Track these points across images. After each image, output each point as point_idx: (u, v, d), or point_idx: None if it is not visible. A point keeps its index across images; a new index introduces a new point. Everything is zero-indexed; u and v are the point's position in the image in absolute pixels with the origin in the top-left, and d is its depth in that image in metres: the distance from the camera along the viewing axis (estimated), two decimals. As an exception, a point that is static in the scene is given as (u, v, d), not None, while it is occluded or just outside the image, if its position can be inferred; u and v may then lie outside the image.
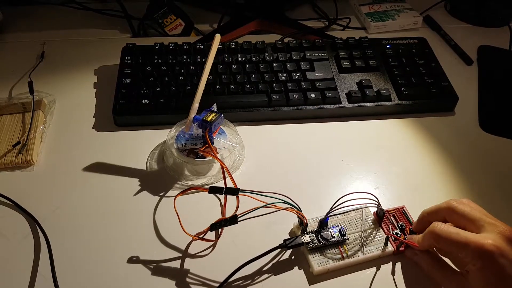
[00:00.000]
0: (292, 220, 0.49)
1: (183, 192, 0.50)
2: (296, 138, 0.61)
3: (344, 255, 0.46)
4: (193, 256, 0.47)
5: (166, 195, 0.53)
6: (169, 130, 0.57)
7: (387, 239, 0.47)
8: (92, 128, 0.61)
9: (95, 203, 0.52)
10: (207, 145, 0.52)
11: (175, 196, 0.50)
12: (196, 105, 0.52)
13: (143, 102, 0.61)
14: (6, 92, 0.66)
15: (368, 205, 0.50)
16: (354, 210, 0.50)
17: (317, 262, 0.46)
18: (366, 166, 0.57)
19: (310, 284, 0.45)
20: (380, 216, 0.49)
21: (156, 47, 0.69)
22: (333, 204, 0.46)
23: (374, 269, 0.47)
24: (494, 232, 0.40)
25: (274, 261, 0.47)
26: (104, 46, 0.76)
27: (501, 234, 0.40)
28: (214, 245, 0.48)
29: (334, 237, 0.47)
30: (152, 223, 0.50)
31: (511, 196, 0.55)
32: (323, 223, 0.47)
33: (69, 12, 0.84)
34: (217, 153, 0.53)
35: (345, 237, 0.47)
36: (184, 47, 0.69)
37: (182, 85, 0.63)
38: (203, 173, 0.56)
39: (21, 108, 0.62)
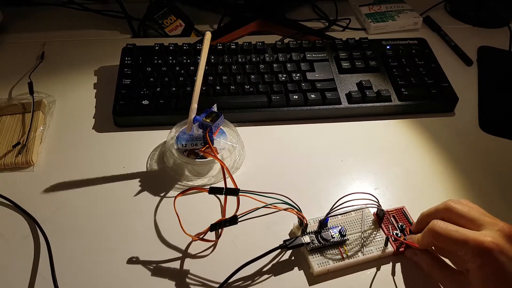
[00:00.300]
0: (292, 220, 0.49)
1: (183, 192, 0.50)
2: (296, 138, 0.61)
3: (344, 255, 0.46)
4: (193, 256, 0.47)
5: (166, 195, 0.53)
6: (169, 130, 0.57)
7: (387, 240, 0.47)
8: (92, 128, 0.61)
9: (95, 203, 0.52)
10: (207, 145, 0.52)
11: (175, 197, 0.50)
12: (194, 105, 0.52)
13: (143, 102, 0.61)
14: (6, 92, 0.66)
15: (368, 205, 0.50)
16: (354, 210, 0.50)
17: (317, 262, 0.46)
18: (366, 167, 0.57)
19: (310, 284, 0.45)
20: (380, 217, 0.49)
21: (156, 47, 0.69)
22: (333, 204, 0.46)
23: (374, 269, 0.47)
24: (493, 230, 0.40)
25: (274, 261, 0.47)
26: (104, 47, 0.76)
27: (501, 231, 0.40)
28: (214, 246, 0.48)
29: (334, 237, 0.47)
30: (152, 224, 0.50)
31: (511, 196, 0.55)
32: (323, 223, 0.47)
33: (69, 12, 0.84)
34: (218, 153, 0.53)
35: (345, 238, 0.47)
36: (184, 47, 0.69)
37: (182, 85, 0.63)
38: (204, 173, 0.56)
39: (21, 109, 0.62)
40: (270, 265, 0.47)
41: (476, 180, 0.56)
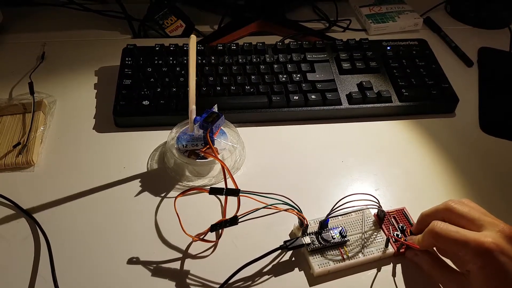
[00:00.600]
0: (292, 221, 0.49)
1: (184, 193, 0.50)
2: (297, 139, 0.61)
3: (345, 256, 0.46)
4: (194, 257, 0.47)
5: (167, 196, 0.53)
6: (169, 131, 0.57)
7: (387, 241, 0.47)
8: (93, 129, 0.61)
9: (95, 204, 0.52)
10: (208, 146, 0.52)
11: (176, 197, 0.50)
12: (193, 107, 0.52)
13: (144, 103, 0.61)
14: (7, 93, 0.66)
15: (368, 206, 0.50)
16: (354, 211, 0.50)
17: (318, 263, 0.46)
18: (367, 168, 0.57)
19: (310, 285, 0.45)
20: (381, 218, 0.49)
21: (157, 48, 0.69)
22: (333, 205, 0.46)
23: (375, 270, 0.47)
24: (494, 231, 0.40)
25: (275, 262, 0.47)
26: (104, 47, 0.76)
27: (501, 232, 0.40)
28: (214, 246, 0.48)
29: (334, 238, 0.47)
30: (153, 224, 0.50)
31: (511, 197, 0.55)
32: (323, 224, 0.47)
33: (70, 13, 0.84)
34: (218, 154, 0.53)
35: (345, 239, 0.47)
36: (185, 48, 0.69)
37: (182, 86, 0.63)
38: (204, 174, 0.55)
39: (21, 109, 0.62)
40: (270, 266, 0.47)
41: (477, 181, 0.56)
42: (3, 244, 0.48)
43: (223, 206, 0.52)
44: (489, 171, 0.58)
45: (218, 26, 0.82)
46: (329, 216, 0.47)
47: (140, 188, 0.54)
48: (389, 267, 0.47)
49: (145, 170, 0.56)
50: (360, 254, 0.47)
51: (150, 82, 0.64)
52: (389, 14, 0.83)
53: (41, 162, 0.57)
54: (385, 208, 0.50)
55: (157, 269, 0.46)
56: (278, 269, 0.46)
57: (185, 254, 0.47)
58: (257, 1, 0.83)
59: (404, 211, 0.51)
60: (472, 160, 0.59)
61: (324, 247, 0.47)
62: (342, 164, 0.58)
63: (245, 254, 0.46)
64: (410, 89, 0.65)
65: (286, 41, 0.75)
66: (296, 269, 0.47)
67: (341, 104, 0.63)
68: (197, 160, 0.53)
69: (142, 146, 0.59)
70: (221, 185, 0.51)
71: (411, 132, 0.63)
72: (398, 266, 0.47)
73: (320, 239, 0.47)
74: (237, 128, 0.58)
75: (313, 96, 0.63)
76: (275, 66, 0.67)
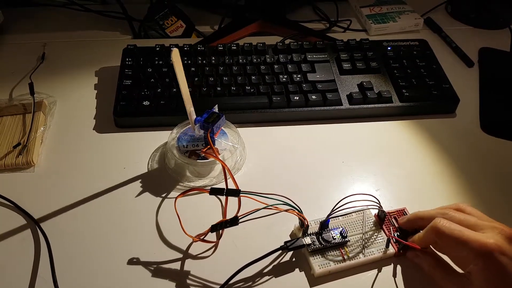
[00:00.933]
0: (293, 222, 0.49)
1: (184, 193, 0.50)
2: (297, 139, 0.61)
3: (345, 257, 0.46)
4: (194, 257, 0.47)
5: (167, 196, 0.53)
6: (170, 131, 0.57)
7: (388, 241, 0.47)
8: (93, 129, 0.61)
9: (95, 204, 0.52)
10: (208, 146, 0.52)
11: (176, 197, 0.50)
12: (191, 109, 0.52)
13: (144, 103, 0.61)
14: (7, 93, 0.66)
15: (369, 207, 0.50)
16: (355, 212, 0.50)
17: (318, 264, 0.45)
18: (367, 168, 0.57)
19: (311, 286, 0.45)
20: (381, 218, 0.49)
21: (157, 48, 0.69)
22: (334, 206, 0.46)
23: (376, 271, 0.47)
24: (495, 232, 0.40)
25: (275, 263, 0.47)
26: (105, 48, 0.76)
27: (502, 233, 0.40)
28: (215, 247, 0.48)
29: (335, 239, 0.47)
30: (153, 224, 0.50)
31: (512, 198, 0.55)
32: (324, 225, 0.47)
33: (70, 13, 0.84)
34: (219, 154, 0.53)
35: (346, 239, 0.47)
36: (185, 48, 0.69)
37: (183, 86, 0.63)
38: (205, 174, 0.55)
39: (21, 109, 0.62)
40: (271, 267, 0.47)
41: (477, 181, 0.56)
42: (3, 245, 0.48)
43: (223, 206, 0.52)
44: (490, 171, 0.58)
45: (218, 26, 0.82)
46: (330, 217, 0.47)
47: (141, 189, 0.54)
48: (390, 267, 0.47)
49: (146, 170, 0.56)
50: (360, 255, 0.46)
51: (150, 82, 0.64)
52: (390, 15, 0.83)
53: (41, 162, 0.56)
54: (386, 208, 0.50)
55: (158, 270, 0.46)
56: (279, 270, 0.46)
57: (186, 255, 0.47)
58: (258, 2, 0.83)
59: (405, 212, 0.51)
60: (473, 160, 0.59)
61: (325, 247, 0.47)
62: (342, 164, 0.58)
63: (246, 254, 0.46)
64: (410, 89, 0.65)
65: (287, 41, 0.75)
66: (297, 270, 0.46)
67: (341, 105, 0.63)
68: (197, 161, 0.53)
69: (142, 147, 0.59)
70: (222, 185, 0.51)
71: (411, 133, 0.63)
72: (399, 267, 0.47)
73: (320, 239, 0.47)
74: (237, 129, 0.58)
75: (313, 97, 0.63)
76: (276, 66, 0.67)
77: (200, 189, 0.52)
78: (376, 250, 0.47)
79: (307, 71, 0.66)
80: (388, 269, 0.47)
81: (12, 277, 0.45)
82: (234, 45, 0.70)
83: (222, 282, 0.44)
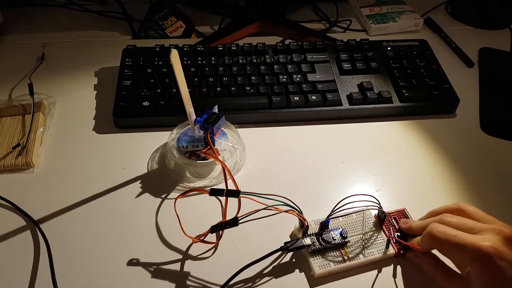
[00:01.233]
0: (293, 222, 0.49)
1: (184, 194, 0.50)
2: (297, 140, 0.61)
3: (345, 257, 0.46)
4: (194, 258, 0.47)
5: (167, 197, 0.53)
6: (170, 132, 0.57)
7: (388, 242, 0.47)
8: (92, 130, 0.61)
9: (95, 205, 0.52)
10: (208, 147, 0.51)
11: (176, 198, 0.49)
12: (191, 109, 0.52)
13: (144, 104, 0.61)
14: (6, 94, 0.66)
15: (369, 207, 0.50)
16: (355, 212, 0.50)
17: (318, 264, 0.45)
18: (367, 168, 0.57)
19: (311, 287, 0.45)
20: (381, 219, 0.49)
21: (157, 49, 0.68)
22: (334, 206, 0.46)
23: (376, 271, 0.47)
24: (493, 234, 0.40)
25: (275, 263, 0.47)
26: (104, 48, 0.75)
27: (499, 235, 0.39)
28: (215, 248, 0.48)
29: (335, 239, 0.47)
30: (153, 225, 0.50)
31: (512, 198, 0.55)
32: (324, 225, 0.47)
33: (70, 13, 0.84)
34: (219, 155, 0.53)
35: (346, 240, 0.47)
36: (185, 49, 0.69)
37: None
38: (205, 175, 0.55)
39: (21, 110, 0.62)
40: (271, 267, 0.47)
41: (477, 181, 0.56)
42: (3, 246, 0.48)
43: (223, 207, 0.52)
44: (490, 171, 0.58)
45: (218, 26, 0.82)
46: (330, 217, 0.47)
47: (140, 189, 0.54)
48: (390, 268, 0.47)
49: (145, 171, 0.56)
50: (360, 255, 0.46)
51: (150, 83, 0.64)
52: (390, 15, 0.83)
53: (41, 163, 0.56)
54: (386, 209, 0.50)
55: (157, 271, 0.46)
56: (279, 271, 0.46)
57: (185, 256, 0.47)
58: (258, 2, 0.83)
59: (405, 212, 0.51)
60: (473, 161, 0.59)
61: (325, 248, 0.46)
62: (342, 165, 0.58)
63: (246, 255, 0.46)
64: (410, 89, 0.65)
65: (287, 41, 0.75)
66: (297, 271, 0.46)
67: (341, 105, 0.63)
68: (197, 161, 0.53)
69: (142, 147, 0.59)
70: (222, 186, 0.51)
71: (411, 133, 0.63)
72: (399, 267, 0.47)
73: (320, 240, 0.47)
74: (237, 129, 0.58)
75: (313, 97, 0.63)
76: (276, 66, 0.67)
77: (200, 190, 0.52)
78: (376, 250, 0.47)
79: (307, 71, 0.66)
80: (388, 270, 0.47)
81: (11, 278, 0.45)
82: (234, 46, 0.70)
83: (222, 283, 0.44)
